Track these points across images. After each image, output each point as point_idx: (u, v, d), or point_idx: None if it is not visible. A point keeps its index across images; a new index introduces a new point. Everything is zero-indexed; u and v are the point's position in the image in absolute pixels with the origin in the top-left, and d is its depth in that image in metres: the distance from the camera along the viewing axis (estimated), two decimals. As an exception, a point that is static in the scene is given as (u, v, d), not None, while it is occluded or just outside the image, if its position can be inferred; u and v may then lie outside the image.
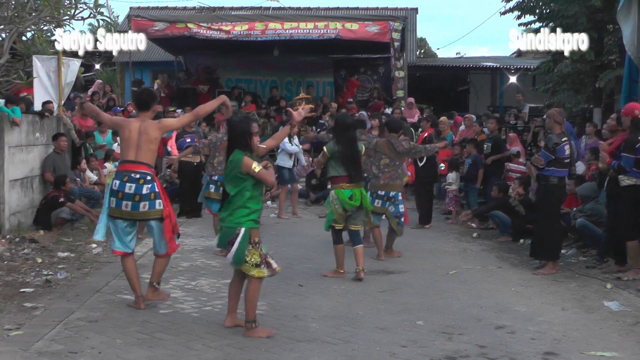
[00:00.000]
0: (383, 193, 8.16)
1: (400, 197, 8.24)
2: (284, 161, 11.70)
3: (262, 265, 5.00)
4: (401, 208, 8.21)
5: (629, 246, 7.19)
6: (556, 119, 7.43)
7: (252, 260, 4.97)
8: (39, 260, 7.63)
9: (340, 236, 7.20)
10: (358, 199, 7.05)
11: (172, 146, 12.52)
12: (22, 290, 6.34)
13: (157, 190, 5.63)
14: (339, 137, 7.15)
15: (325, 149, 7.24)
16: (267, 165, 5.06)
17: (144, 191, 5.55)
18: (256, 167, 4.89)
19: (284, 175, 11.72)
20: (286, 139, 11.07)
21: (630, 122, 7.16)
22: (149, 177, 5.61)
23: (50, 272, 7.07)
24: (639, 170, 7.05)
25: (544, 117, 10.50)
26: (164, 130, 5.89)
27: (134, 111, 13.06)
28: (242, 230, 4.94)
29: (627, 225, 7.12)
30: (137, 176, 5.57)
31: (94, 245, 8.49)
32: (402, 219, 8.23)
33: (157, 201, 5.60)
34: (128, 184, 5.54)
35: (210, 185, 8.77)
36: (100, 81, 18.51)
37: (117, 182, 5.60)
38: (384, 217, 8.33)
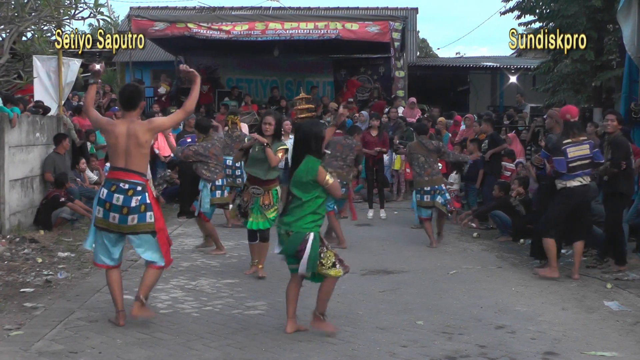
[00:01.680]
0: (429, 188, 9.07)
1: (444, 187, 9.24)
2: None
3: (337, 265, 5.03)
4: (447, 196, 9.25)
5: (546, 243, 7.14)
6: (557, 119, 7.42)
7: (328, 262, 4.99)
8: (39, 260, 7.63)
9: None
10: None
11: (159, 148, 12.60)
12: (22, 290, 6.34)
13: (148, 201, 5.15)
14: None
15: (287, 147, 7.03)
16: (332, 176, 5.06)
17: (133, 204, 5.07)
18: (329, 179, 4.90)
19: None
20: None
21: (564, 125, 7.14)
22: (139, 188, 5.13)
23: (50, 272, 7.08)
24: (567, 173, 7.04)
25: (545, 117, 10.50)
26: (155, 132, 5.48)
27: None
28: (312, 235, 4.91)
29: (548, 220, 7.12)
30: (126, 187, 5.09)
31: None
32: (449, 206, 9.23)
33: (148, 213, 5.14)
34: (116, 195, 5.08)
35: (216, 192, 8.28)
36: (100, 81, 18.48)
37: (105, 191, 5.13)
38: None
